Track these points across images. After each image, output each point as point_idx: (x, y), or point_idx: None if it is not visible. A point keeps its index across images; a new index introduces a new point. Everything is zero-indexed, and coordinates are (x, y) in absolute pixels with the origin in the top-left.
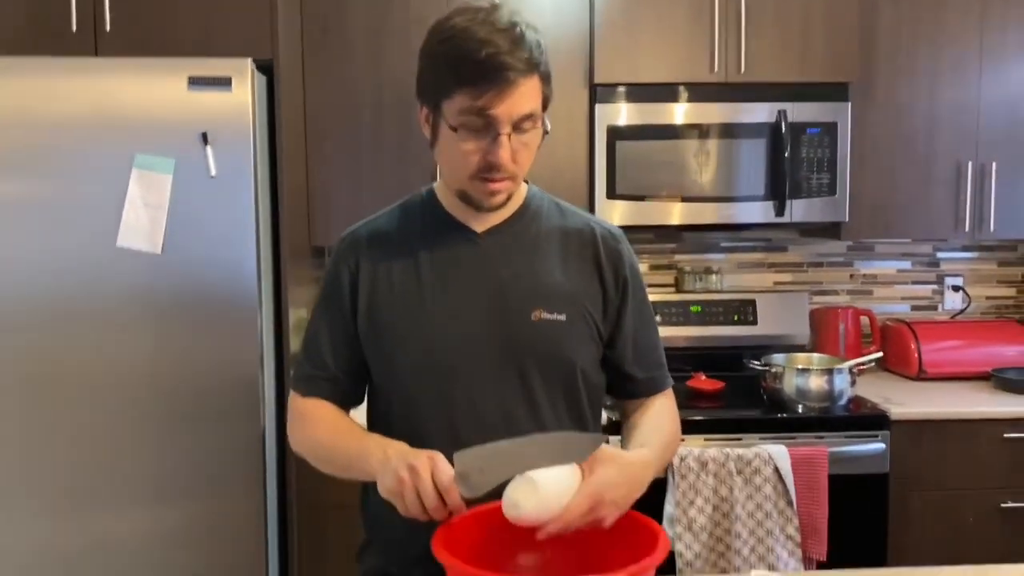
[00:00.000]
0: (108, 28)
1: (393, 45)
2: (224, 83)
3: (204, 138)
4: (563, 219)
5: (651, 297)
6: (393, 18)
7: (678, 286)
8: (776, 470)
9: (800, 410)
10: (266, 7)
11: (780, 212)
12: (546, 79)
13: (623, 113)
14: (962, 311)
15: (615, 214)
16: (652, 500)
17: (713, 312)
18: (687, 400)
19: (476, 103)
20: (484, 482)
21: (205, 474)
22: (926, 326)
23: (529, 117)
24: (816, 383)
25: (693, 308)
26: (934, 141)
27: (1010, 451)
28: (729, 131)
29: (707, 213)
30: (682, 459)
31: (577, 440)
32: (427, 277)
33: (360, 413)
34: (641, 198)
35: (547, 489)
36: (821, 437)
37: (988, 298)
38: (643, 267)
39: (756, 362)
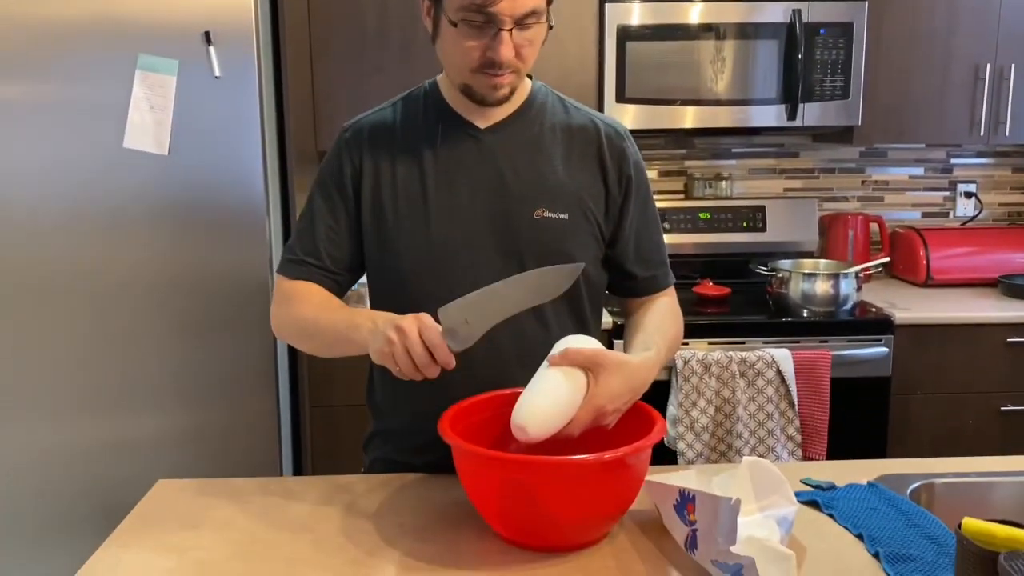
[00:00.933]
0: None
1: None
2: None
3: (207, 37)
4: (567, 115)
5: (659, 204)
6: None
7: (687, 192)
8: (779, 372)
9: (805, 315)
10: None
11: (792, 116)
12: None
13: (634, 12)
14: (973, 218)
15: (625, 118)
16: (655, 402)
17: (722, 219)
18: (693, 306)
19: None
20: (470, 335)
21: (218, 377)
22: (936, 232)
23: (532, 13)
24: (822, 288)
25: (702, 215)
26: (952, 43)
27: (1012, 356)
28: (743, 31)
29: (719, 117)
30: (685, 362)
31: (554, 273)
32: (430, 173)
33: None
34: (652, 101)
35: (552, 409)
36: (825, 341)
37: (1001, 205)
38: (652, 173)
39: (763, 267)
